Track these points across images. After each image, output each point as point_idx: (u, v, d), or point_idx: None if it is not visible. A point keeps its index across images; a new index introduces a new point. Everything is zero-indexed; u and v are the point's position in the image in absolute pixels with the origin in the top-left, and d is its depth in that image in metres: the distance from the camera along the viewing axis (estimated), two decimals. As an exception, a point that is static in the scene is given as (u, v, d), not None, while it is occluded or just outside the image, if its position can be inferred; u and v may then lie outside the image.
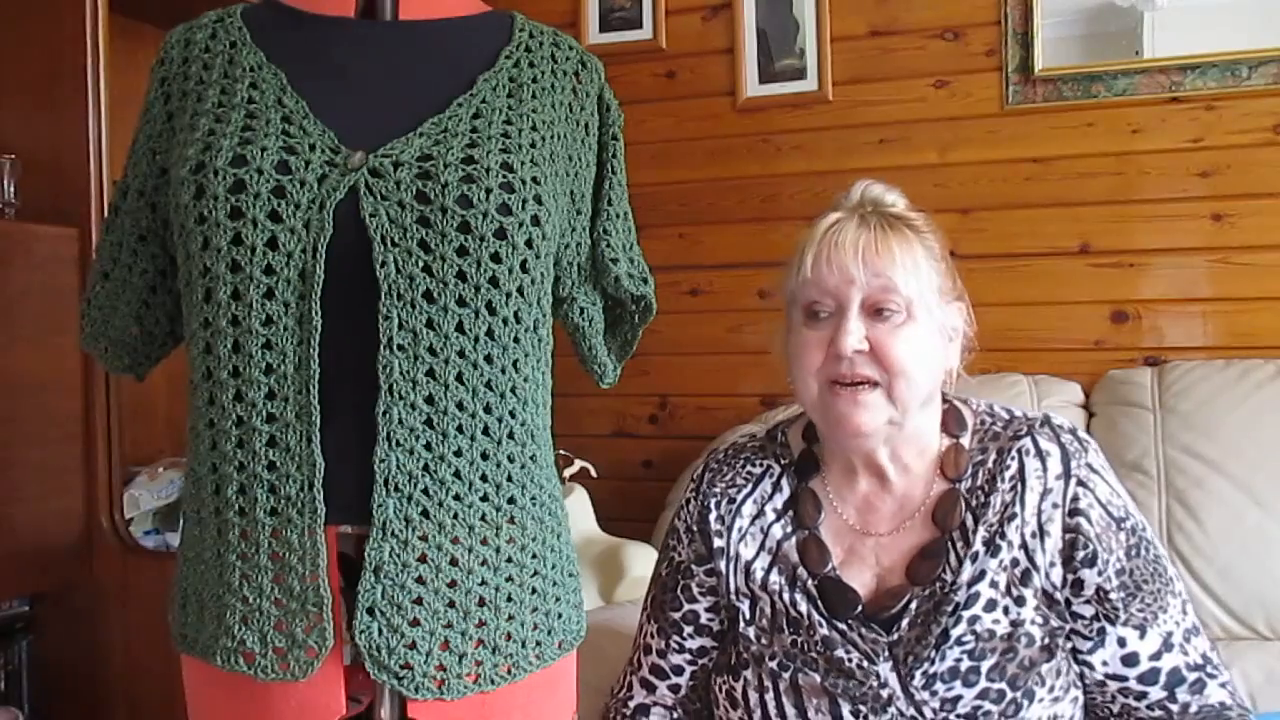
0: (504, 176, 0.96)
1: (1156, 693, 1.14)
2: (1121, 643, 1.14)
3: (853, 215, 1.17)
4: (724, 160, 2.47)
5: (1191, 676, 1.15)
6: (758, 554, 1.22)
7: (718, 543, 1.24)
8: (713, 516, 1.25)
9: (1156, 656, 1.14)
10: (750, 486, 1.26)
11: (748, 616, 1.21)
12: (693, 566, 1.26)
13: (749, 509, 1.25)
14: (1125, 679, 1.15)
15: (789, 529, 1.22)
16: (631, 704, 1.30)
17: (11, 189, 1.81)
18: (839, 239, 1.15)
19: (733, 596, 1.23)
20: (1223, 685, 1.16)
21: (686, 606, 1.26)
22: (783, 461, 1.27)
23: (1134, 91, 2.18)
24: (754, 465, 1.28)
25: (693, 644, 1.27)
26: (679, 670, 1.28)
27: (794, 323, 1.19)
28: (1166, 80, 2.16)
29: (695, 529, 1.26)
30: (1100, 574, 1.13)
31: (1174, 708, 1.14)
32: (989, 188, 2.28)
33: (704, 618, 1.26)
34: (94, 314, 1.10)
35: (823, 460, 1.25)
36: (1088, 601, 1.14)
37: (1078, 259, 2.23)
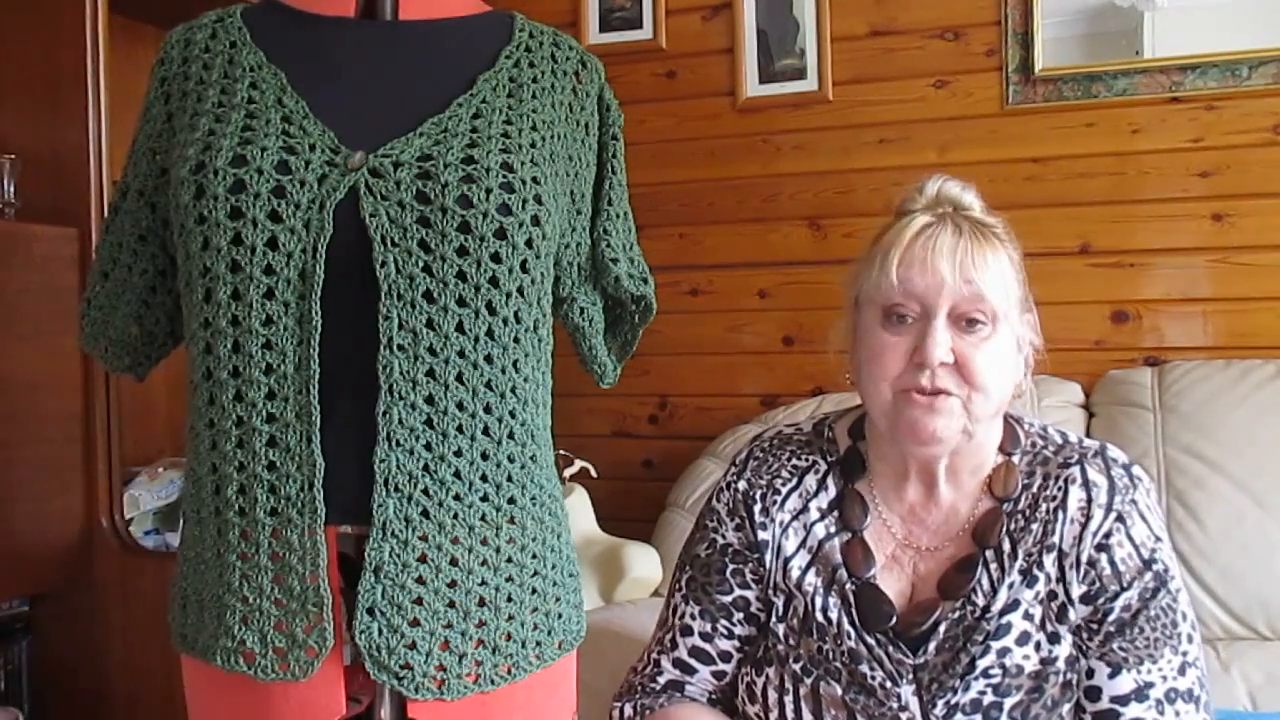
0: (504, 176, 0.96)
1: None
2: (1089, 674, 1.11)
3: (943, 221, 1.13)
4: (724, 160, 2.47)
5: None
6: (798, 550, 1.19)
7: (762, 535, 1.21)
8: (757, 508, 1.22)
9: (1122, 701, 1.09)
10: (795, 481, 1.22)
11: (780, 613, 1.19)
12: (745, 552, 1.22)
13: (793, 503, 1.21)
14: (1084, 710, 1.11)
15: (832, 529, 1.19)
16: (661, 679, 1.25)
17: (11, 189, 1.81)
18: (936, 244, 1.11)
19: (770, 591, 1.20)
20: None
21: (737, 592, 1.21)
22: (829, 458, 1.23)
23: (1134, 91, 2.18)
24: (800, 459, 1.24)
25: (741, 631, 1.22)
26: (727, 656, 1.23)
27: (867, 324, 1.15)
28: (1166, 80, 2.16)
29: (742, 515, 1.23)
30: (1104, 602, 1.10)
31: None
32: (989, 188, 2.23)
33: (754, 605, 1.22)
34: (94, 314, 1.10)
35: (869, 463, 1.22)
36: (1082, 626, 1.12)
37: (1078, 259, 2.23)
